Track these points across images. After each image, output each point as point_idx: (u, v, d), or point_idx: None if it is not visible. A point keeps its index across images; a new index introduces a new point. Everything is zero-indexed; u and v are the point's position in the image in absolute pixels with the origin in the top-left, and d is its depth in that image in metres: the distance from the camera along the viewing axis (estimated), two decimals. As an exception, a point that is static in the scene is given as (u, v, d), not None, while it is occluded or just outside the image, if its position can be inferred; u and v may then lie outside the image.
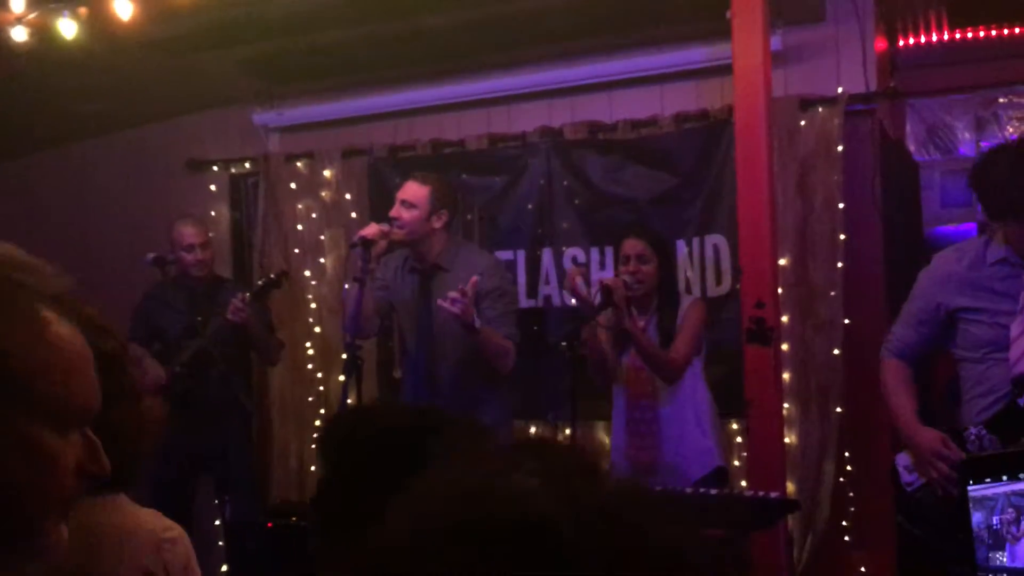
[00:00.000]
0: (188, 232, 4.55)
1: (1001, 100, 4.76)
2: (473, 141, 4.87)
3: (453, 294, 3.52)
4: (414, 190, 3.82)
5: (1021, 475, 1.40)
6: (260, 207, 5.31)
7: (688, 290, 4.28)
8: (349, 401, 3.72)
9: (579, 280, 3.65)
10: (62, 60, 4.45)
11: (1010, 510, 1.39)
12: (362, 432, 1.46)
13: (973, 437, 2.81)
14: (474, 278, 3.58)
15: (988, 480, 1.40)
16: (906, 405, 3.00)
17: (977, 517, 1.39)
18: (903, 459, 2.97)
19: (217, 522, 4.81)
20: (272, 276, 4.61)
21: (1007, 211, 2.84)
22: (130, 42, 4.40)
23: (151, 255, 4.62)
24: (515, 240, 4.74)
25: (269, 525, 4.01)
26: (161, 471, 4.09)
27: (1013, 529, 1.38)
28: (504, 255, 4.63)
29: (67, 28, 4.14)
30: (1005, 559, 1.39)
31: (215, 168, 5.49)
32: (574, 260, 4.63)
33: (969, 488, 1.40)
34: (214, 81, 5.12)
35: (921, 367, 3.17)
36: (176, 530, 1.69)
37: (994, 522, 1.39)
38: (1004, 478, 1.40)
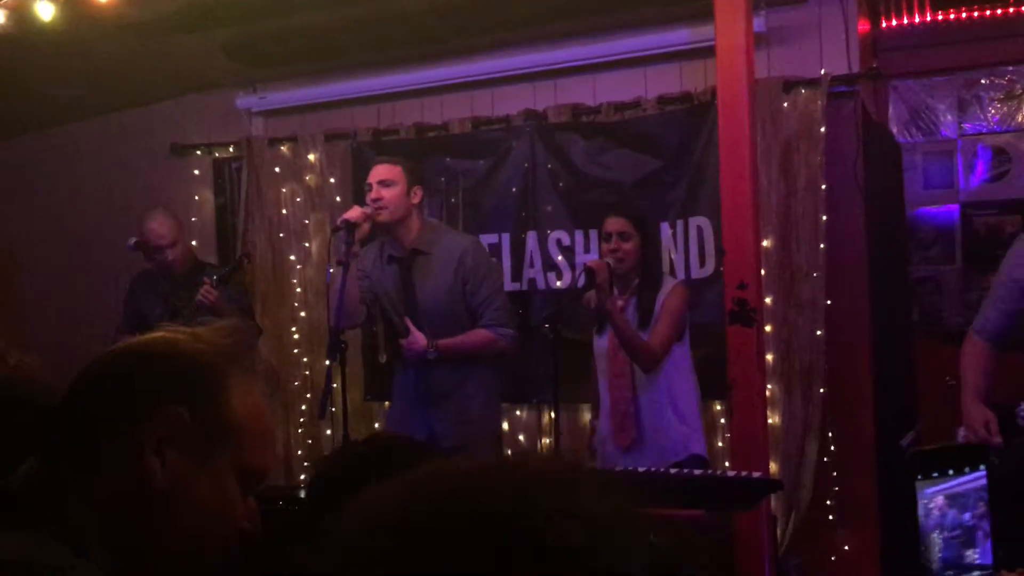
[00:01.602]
0: (155, 234, 4.48)
1: (983, 81, 4.75)
2: (456, 124, 4.85)
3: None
4: (386, 169, 3.83)
5: (966, 469, 1.40)
6: (243, 191, 5.29)
7: (672, 272, 4.28)
8: (334, 385, 3.73)
9: None
10: (40, 44, 4.40)
11: (980, 504, 1.39)
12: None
13: (1022, 413, 3.01)
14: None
15: (935, 475, 1.41)
16: (969, 382, 3.25)
17: (951, 514, 1.38)
18: None
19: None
20: (235, 260, 4.60)
21: None
22: (109, 25, 4.36)
23: (133, 240, 4.58)
24: (499, 224, 4.74)
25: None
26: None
27: (984, 524, 1.39)
28: (488, 239, 4.63)
29: (44, 10, 4.09)
30: (977, 557, 1.39)
31: (198, 152, 5.46)
32: (558, 243, 4.64)
33: (919, 482, 1.40)
34: (195, 65, 5.08)
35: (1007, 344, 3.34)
36: None
37: (966, 519, 1.39)
38: (950, 472, 1.40)
